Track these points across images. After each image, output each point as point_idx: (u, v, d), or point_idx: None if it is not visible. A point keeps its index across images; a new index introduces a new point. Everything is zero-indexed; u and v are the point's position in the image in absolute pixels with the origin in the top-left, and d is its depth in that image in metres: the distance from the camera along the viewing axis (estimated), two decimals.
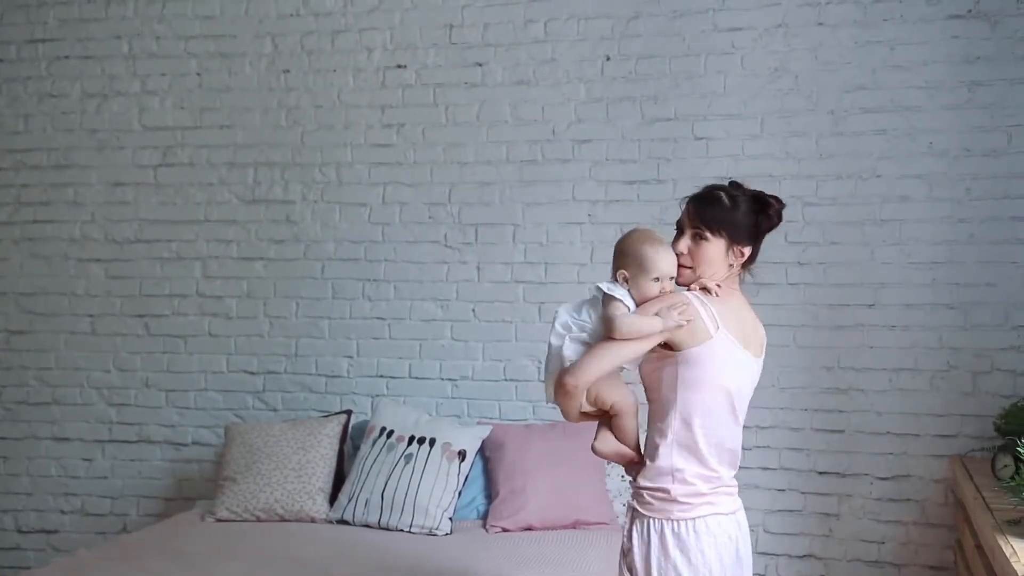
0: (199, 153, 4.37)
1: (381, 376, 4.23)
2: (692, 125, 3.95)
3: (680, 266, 2.27)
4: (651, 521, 2.19)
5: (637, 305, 2.19)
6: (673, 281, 2.25)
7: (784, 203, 2.32)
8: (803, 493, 3.83)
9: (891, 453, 3.76)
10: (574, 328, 2.22)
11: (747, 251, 2.28)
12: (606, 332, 2.16)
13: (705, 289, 2.25)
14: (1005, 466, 3.11)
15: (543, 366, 2.38)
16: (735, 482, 2.29)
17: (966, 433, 3.69)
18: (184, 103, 4.38)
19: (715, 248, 2.25)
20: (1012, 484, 2.57)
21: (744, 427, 2.30)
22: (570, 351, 2.20)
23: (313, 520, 3.71)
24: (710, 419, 2.21)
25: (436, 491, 3.61)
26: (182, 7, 4.38)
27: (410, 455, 3.71)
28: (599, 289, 2.21)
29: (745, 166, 3.88)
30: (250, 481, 3.76)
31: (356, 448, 3.91)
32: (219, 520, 3.72)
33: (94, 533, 4.39)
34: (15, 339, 4.50)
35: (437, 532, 3.57)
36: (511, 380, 4.11)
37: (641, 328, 2.14)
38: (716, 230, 2.24)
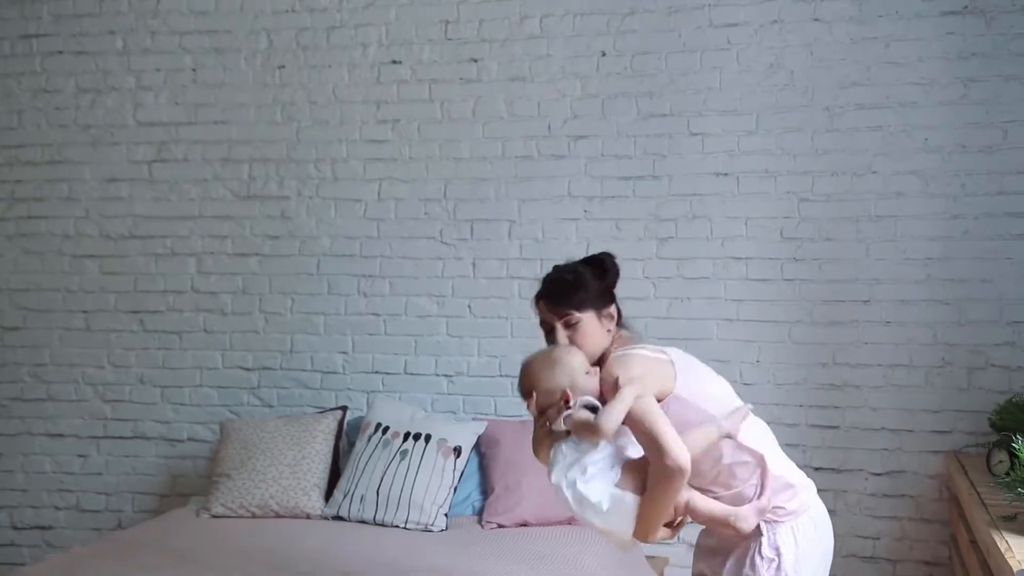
0: (193, 149, 4.36)
1: (376, 372, 4.22)
2: (688, 121, 3.95)
3: None
4: (783, 526, 2.23)
5: (601, 398, 2.17)
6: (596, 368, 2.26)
7: (612, 254, 2.41)
8: None
9: (886, 449, 3.76)
10: (582, 472, 2.11)
11: (613, 310, 2.37)
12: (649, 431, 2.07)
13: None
14: (1000, 462, 3.11)
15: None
16: None
17: (961, 429, 3.69)
18: (179, 99, 4.37)
19: (589, 323, 2.32)
20: (1007, 480, 2.57)
21: None
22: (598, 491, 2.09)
23: (308, 516, 3.70)
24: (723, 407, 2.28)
25: (431, 487, 3.61)
26: (176, 2, 4.37)
27: (405, 451, 3.71)
28: (570, 421, 2.15)
29: (740, 162, 3.89)
30: (245, 477, 3.75)
31: (351, 444, 3.91)
32: (214, 516, 3.72)
33: (89, 529, 4.39)
34: (9, 335, 4.48)
35: (432, 528, 3.57)
36: (506, 376, 4.09)
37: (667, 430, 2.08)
38: (580, 308, 2.31)
